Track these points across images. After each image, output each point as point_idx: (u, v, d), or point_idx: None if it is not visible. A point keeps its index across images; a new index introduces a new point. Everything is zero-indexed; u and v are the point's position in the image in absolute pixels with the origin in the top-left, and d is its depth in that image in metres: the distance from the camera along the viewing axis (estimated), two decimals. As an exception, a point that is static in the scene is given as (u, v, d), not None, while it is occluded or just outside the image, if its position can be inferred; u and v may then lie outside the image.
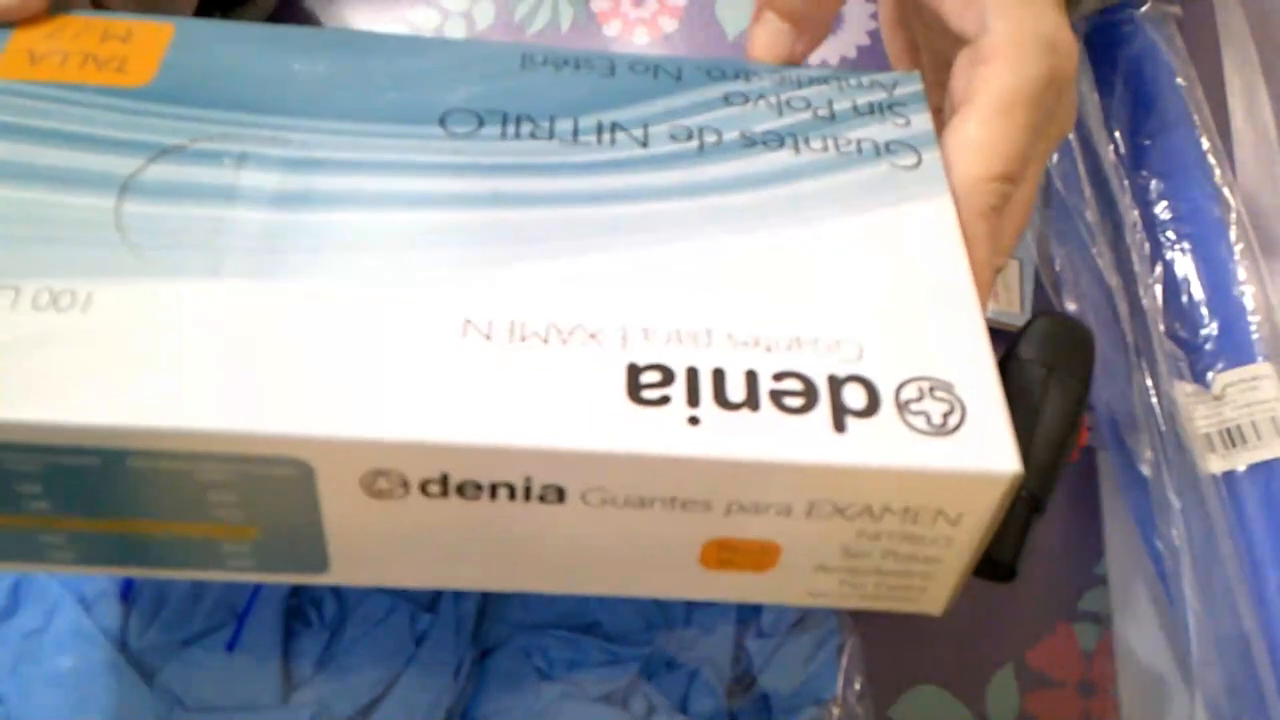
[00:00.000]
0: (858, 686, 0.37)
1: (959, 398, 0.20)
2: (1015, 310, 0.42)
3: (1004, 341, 0.30)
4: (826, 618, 0.37)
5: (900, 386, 0.20)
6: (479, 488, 0.19)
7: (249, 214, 0.22)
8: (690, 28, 0.45)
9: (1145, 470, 0.40)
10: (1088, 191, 0.43)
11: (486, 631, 0.36)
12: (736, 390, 0.20)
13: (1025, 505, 0.28)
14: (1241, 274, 0.41)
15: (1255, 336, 0.40)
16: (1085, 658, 0.41)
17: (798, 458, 0.19)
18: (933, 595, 0.22)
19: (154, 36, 0.25)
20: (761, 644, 0.36)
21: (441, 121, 0.25)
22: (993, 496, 0.20)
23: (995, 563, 0.29)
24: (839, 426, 0.20)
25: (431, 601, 0.35)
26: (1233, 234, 0.42)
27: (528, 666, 0.36)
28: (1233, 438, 0.39)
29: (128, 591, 0.34)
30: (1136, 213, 0.43)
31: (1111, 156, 0.43)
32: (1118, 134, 0.44)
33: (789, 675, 0.36)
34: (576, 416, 0.19)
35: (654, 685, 0.36)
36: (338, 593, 0.35)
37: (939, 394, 0.20)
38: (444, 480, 0.19)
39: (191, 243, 0.21)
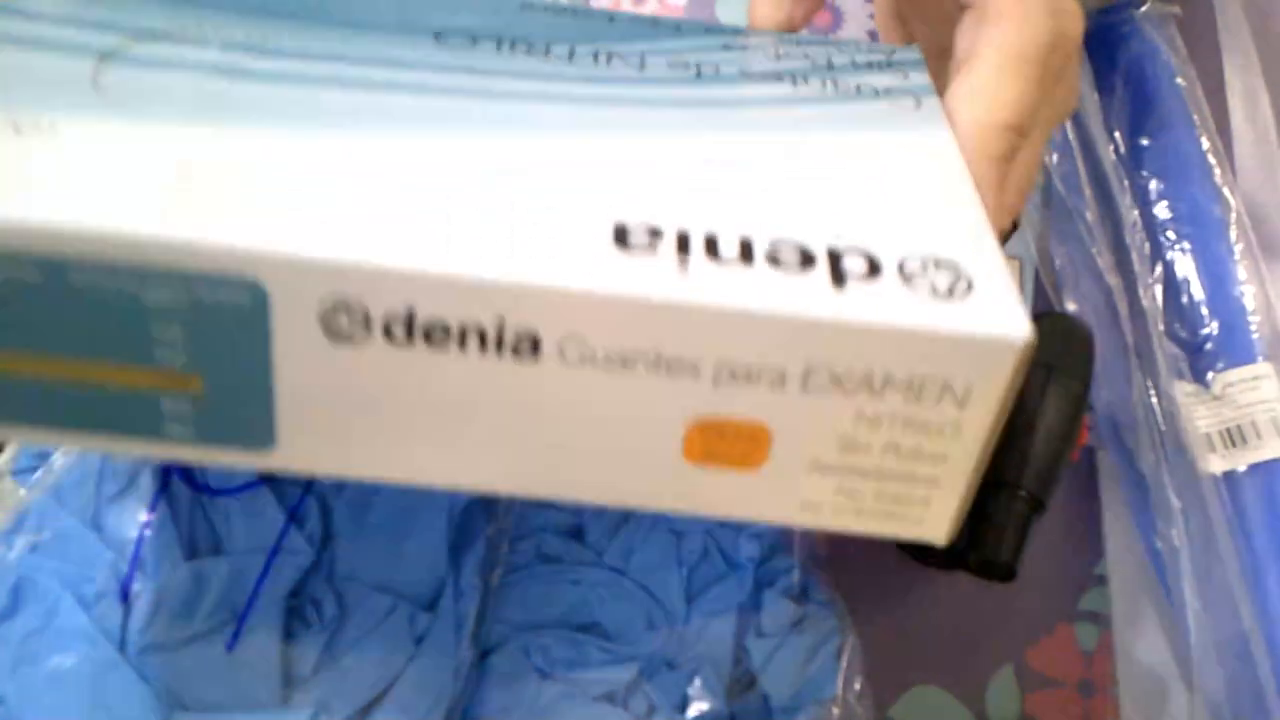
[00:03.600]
0: (858, 686, 0.37)
1: (965, 272, 0.19)
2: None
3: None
4: (826, 618, 0.37)
5: (904, 260, 0.19)
6: (447, 332, 0.18)
7: (227, 84, 0.21)
8: (690, 28, 0.45)
9: (1145, 470, 0.40)
10: (1087, 191, 0.43)
11: (486, 631, 0.36)
12: (730, 249, 0.19)
13: (1025, 505, 0.28)
14: (1241, 274, 0.41)
15: (1255, 336, 0.40)
16: (1085, 658, 0.41)
17: (793, 310, 0.18)
18: (936, 513, 0.20)
19: None
20: (761, 644, 0.36)
21: (436, 36, 0.24)
22: (1004, 367, 0.18)
23: (995, 563, 0.29)
24: (838, 284, 0.18)
25: (431, 601, 0.35)
26: (1233, 234, 0.42)
27: (528, 666, 0.36)
28: (1233, 438, 0.39)
29: (128, 591, 0.34)
30: (1136, 213, 0.43)
31: (1111, 156, 0.43)
32: (1117, 134, 0.44)
33: (789, 675, 0.36)
34: (557, 256, 0.18)
35: (654, 685, 0.36)
36: (338, 593, 0.35)
37: (944, 268, 0.19)
38: (410, 319, 0.18)
39: (165, 98, 0.20)
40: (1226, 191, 0.42)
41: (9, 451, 0.36)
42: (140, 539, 0.35)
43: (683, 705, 0.36)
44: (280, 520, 0.35)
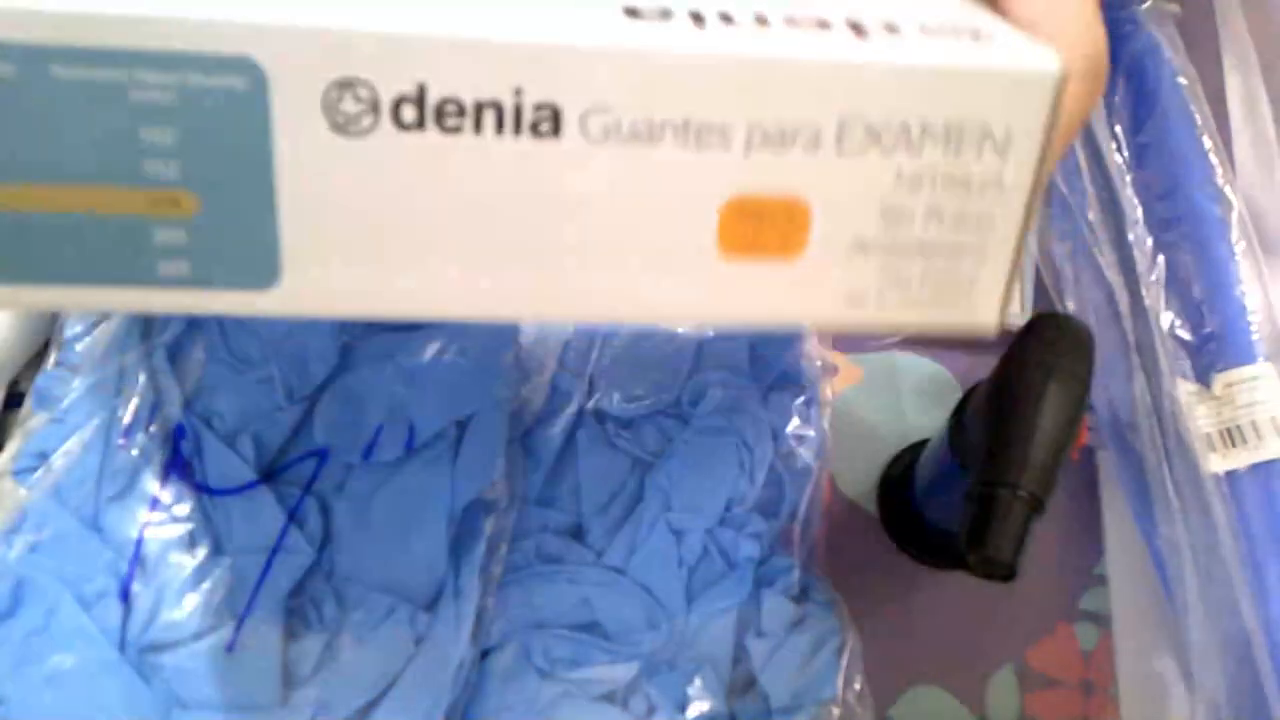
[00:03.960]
0: (858, 686, 0.37)
1: (985, 31, 0.19)
2: (1015, 310, 0.42)
3: (1004, 341, 0.30)
4: (826, 618, 0.37)
5: (923, 23, 0.19)
6: (461, 110, 0.18)
7: None
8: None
9: (1145, 470, 0.40)
10: (1089, 190, 0.43)
11: (486, 631, 0.36)
12: (745, 19, 0.18)
13: (1025, 505, 0.28)
14: (1242, 273, 0.41)
15: (1255, 336, 0.40)
16: (1085, 658, 0.41)
17: (819, 56, 0.18)
18: (984, 292, 0.20)
19: None
20: (761, 644, 0.37)
21: None
22: (1041, 102, 0.18)
23: (995, 563, 0.29)
24: (860, 37, 0.18)
25: (431, 601, 0.35)
26: (1233, 234, 0.42)
27: (528, 666, 0.36)
28: (1233, 437, 0.39)
29: (128, 591, 0.34)
30: (1138, 211, 0.43)
31: (1113, 155, 0.43)
32: (1119, 132, 0.44)
33: (789, 675, 0.36)
34: (573, 22, 0.18)
35: (654, 685, 0.36)
36: (338, 593, 0.35)
37: (963, 31, 0.19)
38: (421, 97, 0.17)
39: None
40: (1227, 191, 0.42)
41: (9, 451, 0.36)
42: (140, 539, 0.35)
43: (683, 705, 0.36)
44: (280, 520, 0.36)
